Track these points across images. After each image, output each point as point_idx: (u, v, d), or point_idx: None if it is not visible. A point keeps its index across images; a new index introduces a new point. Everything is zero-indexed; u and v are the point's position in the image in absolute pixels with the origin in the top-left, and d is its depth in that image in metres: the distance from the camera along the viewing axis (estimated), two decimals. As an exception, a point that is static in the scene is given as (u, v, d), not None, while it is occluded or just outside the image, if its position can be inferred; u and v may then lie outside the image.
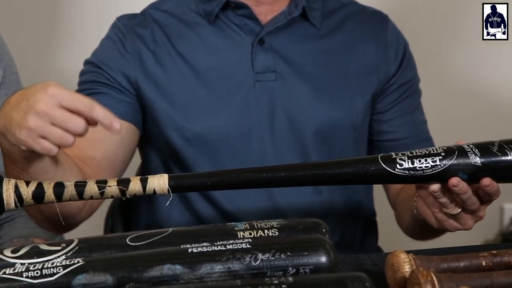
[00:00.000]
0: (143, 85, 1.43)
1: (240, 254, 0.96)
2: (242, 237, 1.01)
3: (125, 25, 1.47)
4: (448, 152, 1.10)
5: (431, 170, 1.09)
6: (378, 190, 1.58)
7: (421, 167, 1.09)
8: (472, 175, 1.10)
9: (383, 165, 1.10)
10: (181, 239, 0.99)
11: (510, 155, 1.10)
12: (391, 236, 1.61)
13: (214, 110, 1.41)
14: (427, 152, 1.10)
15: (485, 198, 1.14)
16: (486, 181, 1.10)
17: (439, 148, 1.11)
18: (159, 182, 1.07)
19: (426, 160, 1.09)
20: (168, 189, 1.07)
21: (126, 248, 0.99)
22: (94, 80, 1.43)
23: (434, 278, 0.95)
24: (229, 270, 0.95)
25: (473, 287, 0.93)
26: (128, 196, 1.06)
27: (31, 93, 1.05)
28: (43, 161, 1.14)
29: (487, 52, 2.41)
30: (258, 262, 0.95)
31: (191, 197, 1.44)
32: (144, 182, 1.06)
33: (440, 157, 1.10)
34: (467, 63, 2.41)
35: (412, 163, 1.09)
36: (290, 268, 0.96)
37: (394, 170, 1.09)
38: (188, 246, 0.97)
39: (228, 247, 0.96)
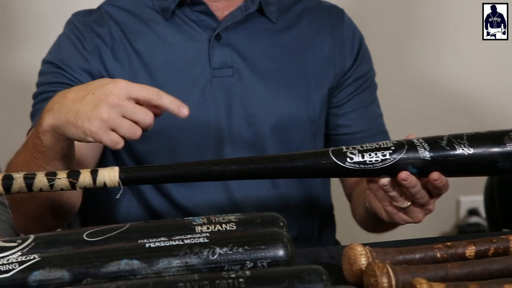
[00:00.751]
0: None
1: (197, 249, 0.96)
2: (199, 231, 1.01)
3: (81, 22, 1.46)
4: (398, 146, 1.11)
5: (381, 164, 1.10)
6: (335, 184, 1.60)
7: (371, 160, 1.10)
8: (421, 169, 1.11)
9: (333, 158, 1.10)
10: (139, 234, 0.99)
11: (459, 149, 1.11)
12: (348, 229, 1.62)
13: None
14: (377, 146, 1.11)
15: (434, 192, 1.16)
16: (435, 175, 1.11)
17: (389, 142, 1.12)
18: (109, 174, 1.07)
19: (376, 154, 1.10)
20: (118, 182, 1.06)
21: (83, 244, 0.98)
22: (56, 81, 1.42)
23: (390, 270, 0.96)
24: (186, 264, 0.95)
25: (428, 279, 0.94)
26: (78, 189, 1.06)
27: (97, 87, 1.10)
28: (73, 159, 1.20)
29: (443, 46, 2.44)
30: (215, 256, 0.96)
31: (147, 193, 1.44)
32: (94, 174, 1.06)
33: (390, 151, 1.11)
34: (424, 57, 2.43)
35: (363, 156, 1.10)
36: (248, 262, 0.96)
37: (345, 163, 1.10)
38: (145, 241, 0.97)
39: (185, 241, 0.97)
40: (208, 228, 1.02)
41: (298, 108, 1.45)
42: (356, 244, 1.03)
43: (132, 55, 1.43)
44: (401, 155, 1.11)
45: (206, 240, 0.97)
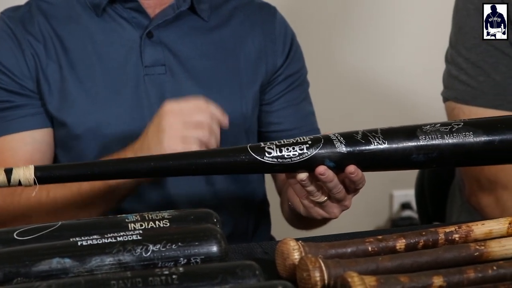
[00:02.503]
0: (42, 86, 1.40)
1: (130, 246, 0.95)
2: (133, 228, 1.01)
3: (11, 19, 1.43)
4: (315, 140, 1.14)
5: (298, 158, 1.13)
6: (270, 181, 1.61)
7: (289, 155, 1.13)
8: (338, 163, 1.13)
9: (252, 154, 1.12)
10: (71, 232, 0.98)
11: (374, 143, 1.14)
12: (284, 225, 1.63)
13: (104, 104, 1.40)
14: (294, 141, 1.14)
15: (351, 187, 1.18)
16: (351, 168, 1.13)
17: (306, 137, 1.15)
18: (24, 173, 1.06)
19: (293, 148, 1.13)
20: (34, 179, 1.06)
21: (14, 243, 0.97)
22: (5, 88, 1.40)
23: (322, 264, 0.97)
24: (119, 262, 0.95)
25: (359, 272, 0.95)
26: None
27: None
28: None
29: (376, 43, 2.47)
30: (149, 253, 0.95)
31: None
32: (8, 173, 1.05)
33: (307, 145, 1.13)
34: (357, 54, 2.46)
35: (280, 151, 1.12)
36: (181, 259, 0.96)
37: (263, 158, 1.12)
38: (77, 239, 0.96)
39: (118, 239, 0.96)
40: (141, 225, 1.02)
41: (232, 105, 1.45)
42: (289, 239, 1.04)
43: (63, 53, 1.41)
44: (318, 149, 1.13)
45: (139, 237, 0.97)
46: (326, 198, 1.19)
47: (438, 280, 0.97)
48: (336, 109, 2.41)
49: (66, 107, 1.40)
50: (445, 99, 1.52)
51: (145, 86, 1.42)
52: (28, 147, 1.40)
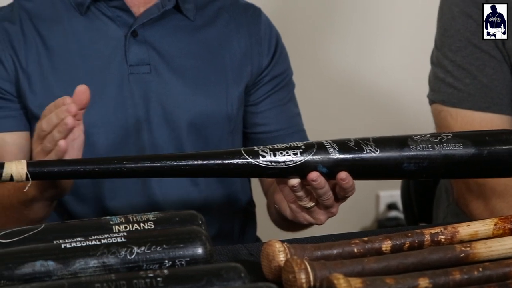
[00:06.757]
0: (22, 84, 1.39)
1: (115, 248, 0.95)
2: (117, 231, 1.00)
3: None
4: (308, 146, 1.14)
5: (292, 162, 1.13)
6: (256, 181, 1.60)
7: (283, 159, 1.13)
8: (331, 169, 1.14)
9: (246, 157, 1.12)
10: (54, 235, 0.98)
11: (366, 150, 1.15)
12: (270, 226, 1.63)
13: (89, 103, 1.39)
14: (288, 146, 1.14)
15: (340, 194, 1.18)
16: (343, 174, 1.14)
17: (299, 142, 1.15)
18: (17, 167, 1.05)
19: (287, 153, 1.13)
20: (27, 174, 1.05)
21: (-3, 246, 0.96)
22: None
23: (308, 266, 0.97)
24: (104, 264, 0.94)
25: (345, 274, 0.95)
26: None
27: None
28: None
29: (365, 44, 2.47)
30: (133, 255, 0.95)
31: (63, 198, 1.41)
32: (0, 167, 1.04)
33: (301, 150, 1.14)
34: (345, 55, 2.46)
35: (274, 155, 1.13)
36: (166, 261, 0.96)
37: (257, 162, 1.12)
38: (61, 241, 0.95)
39: (102, 241, 0.96)
40: (125, 228, 1.01)
41: (216, 106, 1.44)
42: (274, 240, 1.03)
43: (47, 52, 1.40)
44: (311, 155, 1.14)
45: (123, 240, 0.96)
46: (314, 204, 1.19)
47: (424, 282, 0.96)
48: (322, 110, 2.41)
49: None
50: (432, 102, 1.51)
51: (129, 86, 1.41)
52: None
